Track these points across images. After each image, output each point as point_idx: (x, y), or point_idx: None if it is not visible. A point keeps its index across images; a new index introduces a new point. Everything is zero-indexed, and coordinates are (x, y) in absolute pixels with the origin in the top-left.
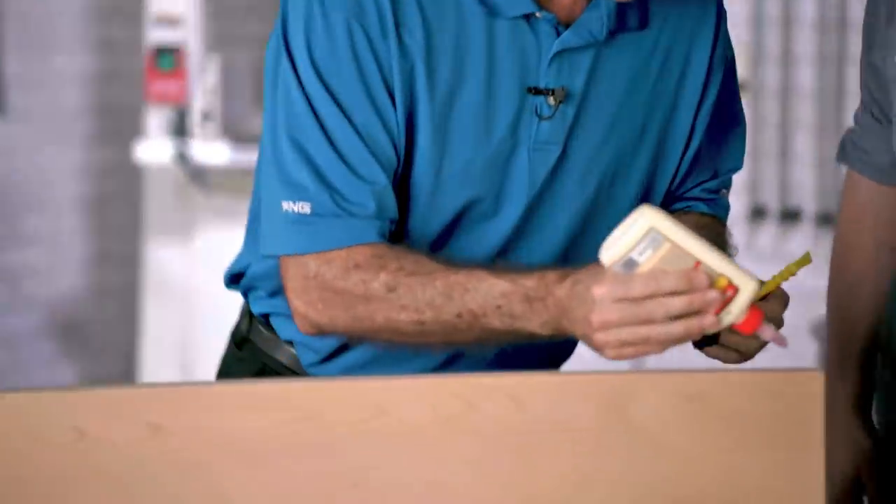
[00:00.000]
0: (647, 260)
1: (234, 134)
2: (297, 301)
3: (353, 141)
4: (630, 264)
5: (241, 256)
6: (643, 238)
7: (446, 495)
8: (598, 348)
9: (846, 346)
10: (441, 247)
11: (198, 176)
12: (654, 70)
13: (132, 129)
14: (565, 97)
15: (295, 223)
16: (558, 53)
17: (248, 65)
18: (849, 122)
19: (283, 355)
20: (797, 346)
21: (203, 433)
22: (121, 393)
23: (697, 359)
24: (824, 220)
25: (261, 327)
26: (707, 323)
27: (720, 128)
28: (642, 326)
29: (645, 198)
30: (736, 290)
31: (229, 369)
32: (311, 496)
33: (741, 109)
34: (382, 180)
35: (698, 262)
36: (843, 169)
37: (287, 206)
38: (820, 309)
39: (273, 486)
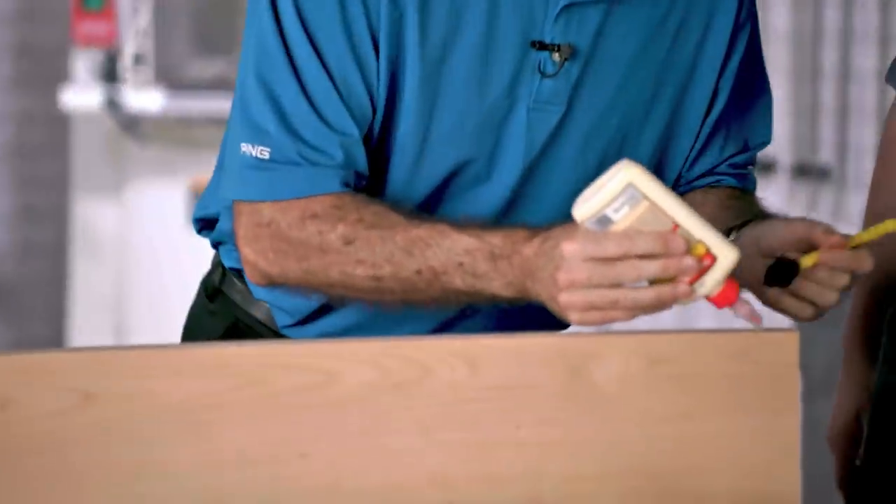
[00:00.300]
0: (622, 218)
1: (169, 79)
2: (247, 249)
3: (326, 87)
4: (604, 221)
5: (206, 199)
6: (620, 194)
7: (398, 464)
8: (562, 310)
9: (878, 279)
10: (431, 212)
11: (129, 125)
12: (670, 29)
13: (57, 74)
14: (571, 54)
15: (252, 167)
16: (566, 7)
17: (184, 4)
18: (827, 66)
19: (258, 310)
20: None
21: (138, 401)
22: (49, 358)
23: (664, 317)
24: (800, 171)
25: (234, 279)
26: (680, 292)
27: (747, 94)
28: (611, 289)
29: (658, 169)
30: (714, 259)
31: (199, 323)
32: (255, 467)
33: (766, 76)
34: (353, 132)
35: (676, 226)
36: (817, 120)
37: (246, 148)
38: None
39: (214, 456)
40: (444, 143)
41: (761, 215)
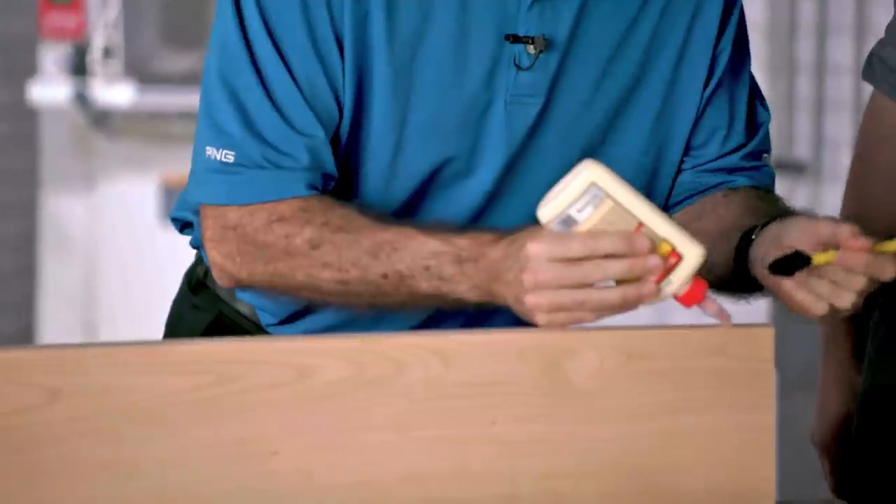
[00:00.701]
0: (587, 218)
1: (139, 73)
2: (214, 252)
3: (290, 89)
4: (568, 221)
5: (183, 200)
6: (584, 194)
7: (372, 461)
8: (528, 312)
9: None
10: (412, 211)
11: (99, 119)
12: (655, 11)
13: (25, 67)
14: (546, 46)
15: (217, 171)
16: None
17: None
18: (804, 59)
19: (242, 305)
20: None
21: (107, 398)
22: (16, 356)
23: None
24: (777, 165)
25: None
26: (646, 291)
27: (741, 73)
28: (578, 290)
29: (655, 160)
30: (679, 257)
31: (181, 317)
32: (227, 464)
33: (750, 53)
34: (319, 134)
35: (641, 224)
36: (792, 115)
37: (210, 151)
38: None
39: (185, 454)
40: (420, 140)
41: (786, 213)
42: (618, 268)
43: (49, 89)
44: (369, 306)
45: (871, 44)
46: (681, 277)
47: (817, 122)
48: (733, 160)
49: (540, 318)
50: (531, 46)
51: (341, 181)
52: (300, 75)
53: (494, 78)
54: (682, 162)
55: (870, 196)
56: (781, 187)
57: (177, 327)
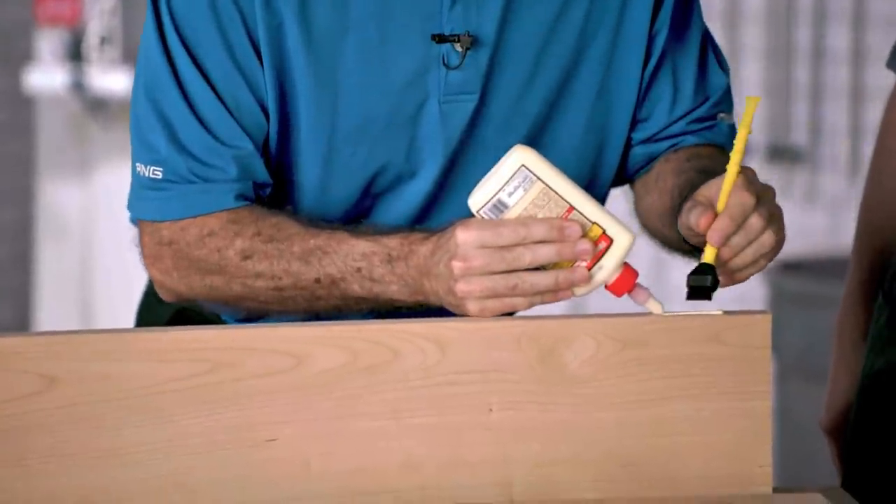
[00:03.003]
0: (517, 202)
1: (136, 60)
2: (153, 269)
3: (213, 103)
4: (499, 206)
5: None
6: (513, 177)
7: (368, 448)
8: (460, 301)
9: (875, 264)
10: (363, 215)
11: (95, 106)
12: None
13: (21, 54)
14: (473, 43)
15: (147, 188)
16: None
17: None
18: (801, 47)
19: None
20: (744, 288)
21: (103, 385)
22: (12, 343)
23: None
24: (774, 153)
25: None
26: (578, 276)
27: (685, 42)
28: (509, 275)
29: (597, 144)
30: (610, 241)
31: (150, 308)
32: (223, 452)
33: (700, 16)
34: (247, 145)
35: (571, 208)
36: (788, 104)
37: (140, 168)
38: None
39: (181, 442)
40: (351, 144)
41: (703, 172)
42: (548, 252)
43: (45, 76)
44: (306, 311)
45: (868, 31)
46: (612, 262)
47: (814, 110)
48: (681, 126)
49: (472, 307)
50: (458, 45)
51: (279, 192)
52: (222, 88)
53: (424, 78)
54: (630, 139)
55: (891, 183)
56: (778, 174)
57: (144, 318)
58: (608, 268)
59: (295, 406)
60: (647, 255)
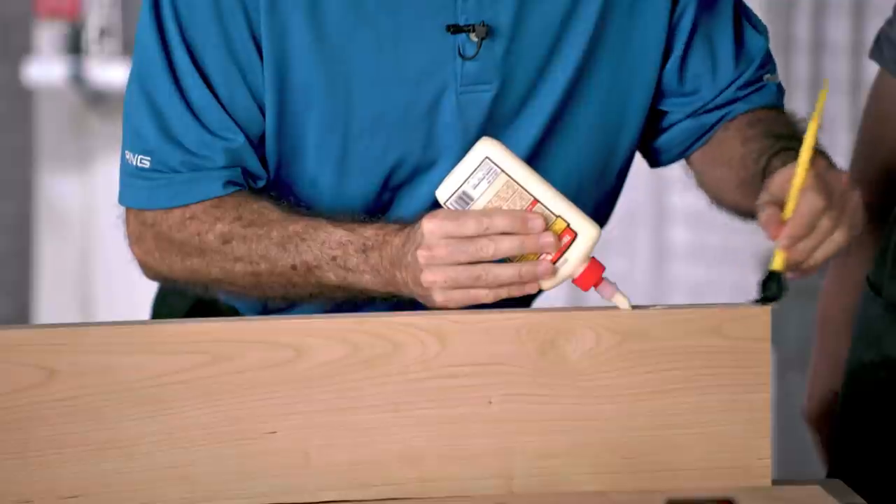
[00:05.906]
0: (482, 195)
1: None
2: (136, 248)
3: (207, 95)
4: (464, 198)
5: None
6: (477, 168)
7: (368, 440)
8: (426, 292)
9: (851, 260)
10: (383, 210)
11: (95, 99)
12: None
13: (20, 47)
14: (489, 33)
15: (134, 176)
16: None
17: None
18: (801, 38)
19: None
20: (742, 279)
21: (104, 378)
22: (12, 335)
23: (637, 293)
24: None
25: None
26: (542, 269)
27: (717, 13)
28: (473, 266)
29: (613, 127)
30: (574, 235)
31: (166, 300)
32: (223, 444)
33: None
34: (238, 138)
35: (535, 202)
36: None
37: (129, 156)
38: (767, 240)
39: (181, 434)
40: (366, 138)
41: (786, 142)
42: (510, 244)
43: (45, 69)
44: (283, 298)
45: (869, 23)
46: (577, 256)
47: (814, 102)
48: (728, 95)
49: (437, 296)
50: (473, 35)
51: (288, 193)
52: (217, 81)
53: (440, 69)
54: (670, 113)
55: (874, 172)
56: None
57: (160, 311)
58: (572, 261)
59: (295, 398)
60: (647, 251)
